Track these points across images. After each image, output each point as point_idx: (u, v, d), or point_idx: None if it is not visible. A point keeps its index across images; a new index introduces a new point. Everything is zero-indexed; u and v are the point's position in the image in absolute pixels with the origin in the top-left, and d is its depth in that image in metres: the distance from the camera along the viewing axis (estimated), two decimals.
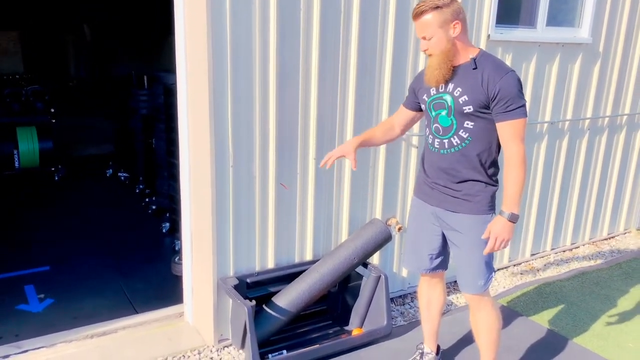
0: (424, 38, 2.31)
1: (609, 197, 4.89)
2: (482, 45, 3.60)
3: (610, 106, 4.55)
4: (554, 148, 4.28)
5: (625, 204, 5.07)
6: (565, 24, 4.17)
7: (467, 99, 2.33)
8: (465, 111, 2.35)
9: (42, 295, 3.65)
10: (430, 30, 2.28)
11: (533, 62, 3.91)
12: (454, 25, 2.28)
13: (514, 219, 2.32)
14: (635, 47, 4.55)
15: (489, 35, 3.61)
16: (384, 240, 3.22)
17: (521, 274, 4.24)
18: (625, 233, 5.19)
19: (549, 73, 4.05)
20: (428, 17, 2.27)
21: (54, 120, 6.26)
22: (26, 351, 2.96)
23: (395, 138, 2.77)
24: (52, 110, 6.27)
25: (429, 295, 2.84)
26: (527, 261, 4.43)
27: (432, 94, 2.46)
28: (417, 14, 2.29)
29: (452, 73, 2.36)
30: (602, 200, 4.86)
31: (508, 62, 3.76)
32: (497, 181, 2.48)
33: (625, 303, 3.79)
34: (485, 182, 2.44)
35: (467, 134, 2.39)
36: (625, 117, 4.72)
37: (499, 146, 2.43)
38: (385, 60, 3.29)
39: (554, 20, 4.06)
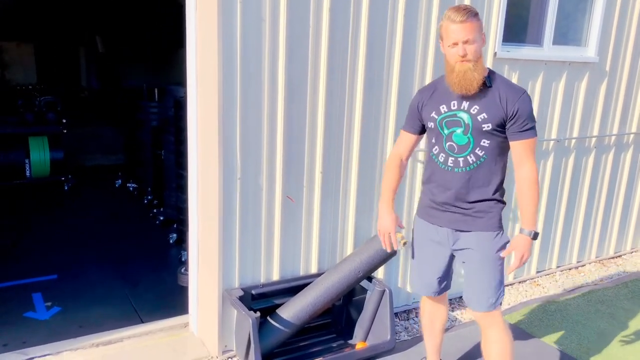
0: (467, 42, 2.23)
1: (615, 215, 4.88)
2: (489, 63, 3.64)
3: (617, 124, 4.56)
4: (560, 166, 4.29)
5: (633, 222, 5.06)
6: (572, 42, 4.20)
7: (486, 116, 2.31)
8: (484, 129, 2.32)
9: (49, 303, 3.69)
10: (475, 34, 2.24)
11: (539, 80, 3.94)
12: (483, 35, 2.31)
13: (535, 236, 2.34)
14: None
15: (495, 53, 3.65)
16: (389, 254, 3.22)
17: (526, 291, 4.23)
18: (632, 252, 5.16)
19: (556, 91, 4.08)
20: (475, 20, 2.25)
21: (65, 131, 6.38)
22: (32, 358, 2.99)
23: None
24: (64, 120, 6.38)
25: (432, 313, 2.82)
26: (532, 278, 4.42)
27: (442, 112, 2.41)
28: (468, 17, 2.22)
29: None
30: (609, 219, 4.85)
31: (515, 80, 3.79)
32: (504, 200, 2.48)
33: (630, 323, 3.77)
34: (496, 200, 2.43)
35: (483, 152, 2.37)
36: (632, 135, 4.72)
37: (506, 166, 2.44)
38: (392, 74, 3.33)
39: (560, 39, 4.10)
